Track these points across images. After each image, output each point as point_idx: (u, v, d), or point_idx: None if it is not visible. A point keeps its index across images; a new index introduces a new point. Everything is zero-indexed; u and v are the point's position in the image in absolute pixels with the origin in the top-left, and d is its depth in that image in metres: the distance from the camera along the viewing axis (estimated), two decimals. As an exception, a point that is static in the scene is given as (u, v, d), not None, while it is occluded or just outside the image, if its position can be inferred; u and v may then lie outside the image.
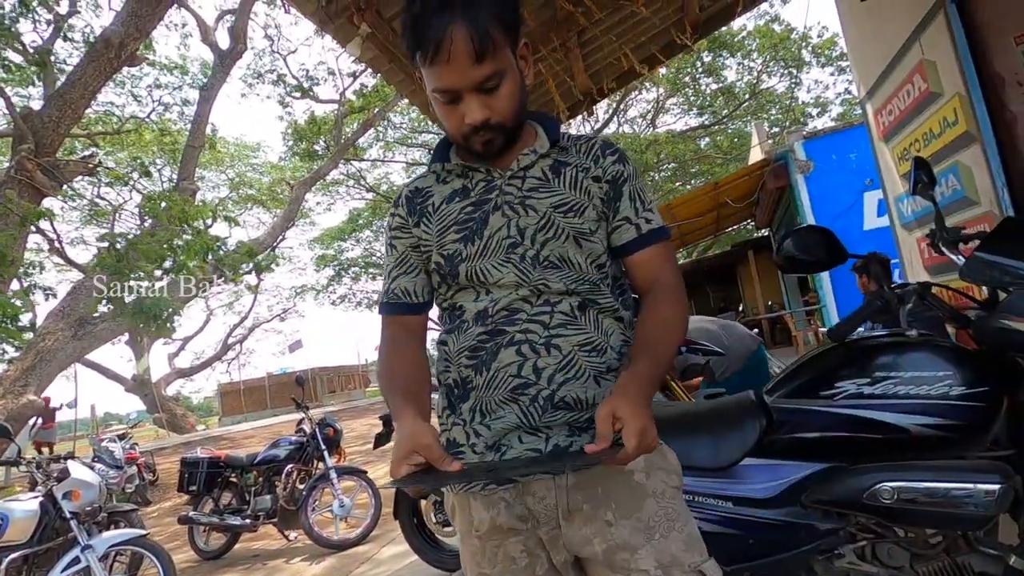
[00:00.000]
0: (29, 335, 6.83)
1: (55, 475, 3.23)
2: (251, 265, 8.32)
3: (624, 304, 0.94)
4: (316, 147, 15.25)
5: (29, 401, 7.03)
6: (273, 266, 9.36)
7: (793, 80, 16.68)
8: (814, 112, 18.07)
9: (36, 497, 3.18)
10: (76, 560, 2.95)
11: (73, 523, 3.05)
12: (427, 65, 0.83)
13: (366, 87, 13.20)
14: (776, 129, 16.79)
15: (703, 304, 16.37)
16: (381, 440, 3.50)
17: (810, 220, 8.60)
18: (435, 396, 0.96)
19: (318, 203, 20.46)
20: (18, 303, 5.76)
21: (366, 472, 4.41)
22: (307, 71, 25.16)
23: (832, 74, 17.14)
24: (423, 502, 3.06)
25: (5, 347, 6.66)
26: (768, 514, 1.19)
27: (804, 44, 15.58)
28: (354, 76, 13.34)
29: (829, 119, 20.00)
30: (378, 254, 24.27)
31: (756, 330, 8.28)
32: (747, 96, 16.46)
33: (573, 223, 0.89)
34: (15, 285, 7.51)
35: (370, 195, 19.82)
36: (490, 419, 0.86)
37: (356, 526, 4.22)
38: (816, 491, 1.18)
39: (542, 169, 0.92)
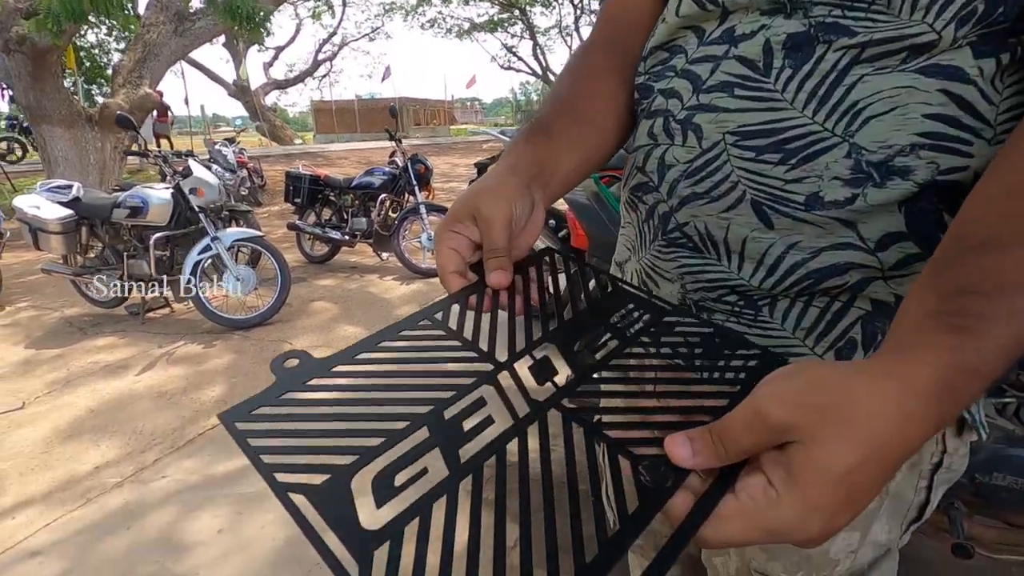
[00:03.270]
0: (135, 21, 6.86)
1: (180, 170, 3.53)
2: None
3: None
4: None
5: (146, 93, 7.47)
6: None
7: None
8: None
9: (167, 188, 3.53)
10: (208, 247, 3.41)
11: (201, 215, 3.44)
12: None
13: None
14: None
15: None
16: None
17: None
18: None
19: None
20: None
21: (453, 212, 4.60)
22: None
23: None
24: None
25: (114, 34, 6.76)
26: None
27: None
28: None
29: None
30: (474, -27, 21.54)
31: None
32: None
33: None
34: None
35: None
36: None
37: (441, 258, 4.58)
38: None
39: None
